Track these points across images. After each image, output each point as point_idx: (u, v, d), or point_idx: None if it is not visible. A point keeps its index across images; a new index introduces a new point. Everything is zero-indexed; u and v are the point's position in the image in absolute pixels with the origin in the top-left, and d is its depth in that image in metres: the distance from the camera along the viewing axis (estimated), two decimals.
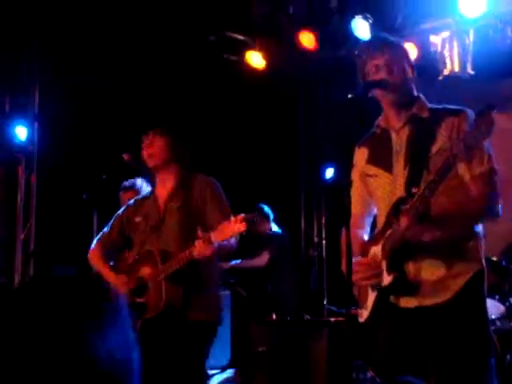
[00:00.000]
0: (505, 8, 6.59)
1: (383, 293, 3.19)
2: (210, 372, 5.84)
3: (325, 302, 8.25)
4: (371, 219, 3.50)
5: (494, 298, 5.43)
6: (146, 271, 3.93)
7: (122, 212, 4.28)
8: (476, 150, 3.01)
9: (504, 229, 5.96)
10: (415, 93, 3.32)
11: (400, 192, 3.19)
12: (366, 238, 3.42)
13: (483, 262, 3.19)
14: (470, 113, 3.19)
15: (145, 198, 4.24)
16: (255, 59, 7.78)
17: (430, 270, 3.12)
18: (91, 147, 6.75)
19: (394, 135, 3.29)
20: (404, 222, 3.01)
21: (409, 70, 3.28)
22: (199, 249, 3.69)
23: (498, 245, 6.16)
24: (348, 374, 2.99)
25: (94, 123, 6.93)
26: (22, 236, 6.71)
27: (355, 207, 3.46)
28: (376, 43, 3.35)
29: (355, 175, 3.47)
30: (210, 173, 4.16)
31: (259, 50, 7.70)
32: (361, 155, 3.44)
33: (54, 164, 6.75)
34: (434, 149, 3.14)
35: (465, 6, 6.49)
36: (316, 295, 7.98)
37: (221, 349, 6.26)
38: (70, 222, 5.31)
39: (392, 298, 3.20)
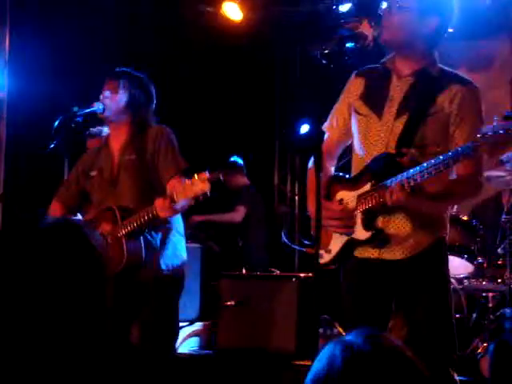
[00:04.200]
0: None
1: (353, 244, 3.20)
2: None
3: (296, 259, 8.29)
4: (341, 150, 3.46)
5: (462, 257, 5.48)
6: (105, 228, 3.85)
7: (77, 165, 4.20)
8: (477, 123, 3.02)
9: None
10: (430, 50, 3.19)
11: (384, 142, 3.14)
12: (332, 170, 3.38)
13: (447, 228, 3.22)
14: (476, 87, 3.14)
15: (99, 149, 4.15)
16: (232, 11, 7.66)
17: (397, 226, 3.13)
18: (63, 96, 6.63)
19: (395, 79, 3.20)
20: (394, 192, 2.96)
21: (425, 26, 3.10)
22: (160, 209, 3.63)
23: (468, 204, 6.19)
24: (315, 330, 3.00)
25: (67, 71, 6.81)
26: None
27: (333, 132, 3.36)
28: None
29: (344, 101, 3.36)
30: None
31: (236, 2, 7.58)
32: (356, 86, 3.33)
33: (24, 111, 6.64)
34: (432, 110, 3.09)
35: None
36: (287, 250, 7.99)
37: (190, 302, 6.27)
38: (41, 169, 5.22)
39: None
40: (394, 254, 3.15)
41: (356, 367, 1.31)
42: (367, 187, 3.13)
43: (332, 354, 1.35)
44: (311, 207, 3.25)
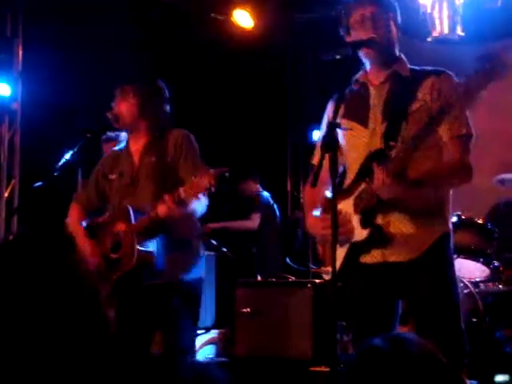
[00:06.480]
0: None
1: (356, 248, 3.17)
2: None
3: (310, 264, 8.26)
4: (341, 170, 3.46)
5: (478, 260, 5.45)
6: (120, 227, 3.85)
7: (97, 168, 4.21)
8: (460, 112, 3.03)
9: (489, 191, 5.97)
10: (397, 52, 3.29)
11: (375, 146, 3.16)
12: (328, 194, 3.39)
13: (450, 224, 3.21)
14: (450, 74, 3.18)
15: (119, 152, 4.15)
16: (243, 18, 7.67)
17: (398, 225, 3.11)
18: (76, 105, 6.67)
19: (372, 90, 3.26)
20: (380, 178, 2.97)
21: (394, 28, 3.25)
22: (163, 209, 3.63)
23: (484, 207, 6.17)
24: (332, 336, 2.98)
25: (80, 82, 6.84)
26: (6, 194, 6.66)
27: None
28: None
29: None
30: (196, 133, 4.09)
31: (247, 9, 7.59)
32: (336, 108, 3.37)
33: (38, 122, 6.67)
34: (414, 107, 3.14)
35: None
36: (301, 257, 7.98)
37: (205, 310, 6.27)
38: (55, 180, 5.25)
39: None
40: (398, 255, 3.13)
41: (381, 369, 1.30)
42: (363, 186, 3.13)
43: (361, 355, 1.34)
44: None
